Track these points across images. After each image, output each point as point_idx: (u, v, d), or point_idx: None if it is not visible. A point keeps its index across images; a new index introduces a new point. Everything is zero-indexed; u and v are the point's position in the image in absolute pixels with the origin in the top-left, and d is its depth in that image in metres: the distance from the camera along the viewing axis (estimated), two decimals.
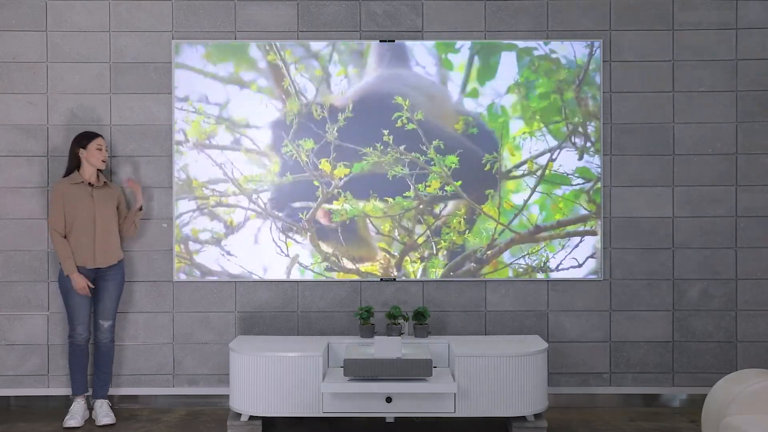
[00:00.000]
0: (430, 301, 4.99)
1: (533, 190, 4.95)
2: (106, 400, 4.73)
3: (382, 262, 4.96)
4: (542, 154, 4.96)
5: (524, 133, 4.95)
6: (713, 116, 4.98)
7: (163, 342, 5.00)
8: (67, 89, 4.97)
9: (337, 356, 4.61)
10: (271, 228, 4.96)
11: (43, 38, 4.97)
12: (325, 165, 4.95)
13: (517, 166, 4.95)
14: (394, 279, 4.96)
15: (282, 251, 4.95)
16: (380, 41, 4.94)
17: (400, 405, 4.20)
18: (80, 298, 4.62)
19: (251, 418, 4.36)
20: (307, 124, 4.95)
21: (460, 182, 4.94)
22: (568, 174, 4.96)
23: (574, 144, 4.95)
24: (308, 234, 4.95)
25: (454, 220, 4.95)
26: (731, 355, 4.98)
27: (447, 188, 4.95)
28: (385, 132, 4.94)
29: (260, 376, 4.29)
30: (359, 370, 4.14)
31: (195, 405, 5.00)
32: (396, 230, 4.96)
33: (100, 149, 4.68)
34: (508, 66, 4.95)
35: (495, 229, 4.95)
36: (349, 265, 4.96)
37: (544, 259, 4.95)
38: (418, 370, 4.13)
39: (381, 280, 4.97)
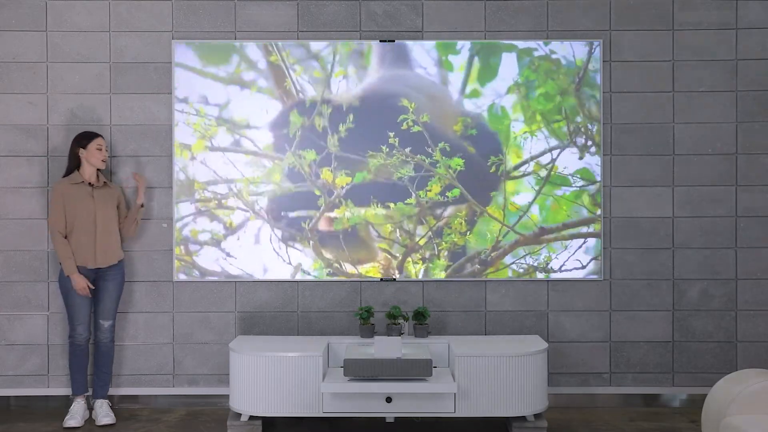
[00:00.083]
0: (430, 301, 4.99)
1: (538, 192, 4.94)
2: (106, 400, 4.73)
3: (383, 263, 4.96)
4: (542, 153, 4.95)
5: (525, 132, 4.95)
6: (713, 116, 4.98)
7: (163, 342, 5.00)
8: (67, 89, 4.97)
9: (337, 356, 4.61)
10: (271, 238, 4.95)
11: (43, 38, 4.97)
12: (326, 174, 4.94)
13: (520, 167, 4.94)
14: (394, 279, 4.96)
15: (284, 260, 4.95)
16: (380, 41, 4.94)
17: (400, 405, 4.20)
18: (80, 298, 4.62)
19: (251, 418, 4.36)
20: (310, 136, 4.93)
21: (458, 191, 4.93)
22: (569, 175, 4.95)
23: (574, 143, 4.95)
24: (311, 243, 4.95)
25: (455, 221, 4.94)
26: (731, 355, 4.98)
27: (449, 194, 4.94)
28: (391, 134, 4.93)
29: (260, 376, 4.29)
30: (359, 370, 4.14)
31: (195, 405, 5.00)
32: (397, 231, 4.96)
33: (100, 149, 4.68)
34: (508, 67, 4.95)
35: (500, 230, 4.95)
36: (351, 269, 4.96)
37: (545, 260, 4.95)
38: (418, 370, 4.13)
39: (381, 280, 4.97)
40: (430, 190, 4.95)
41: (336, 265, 4.96)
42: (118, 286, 4.76)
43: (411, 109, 4.93)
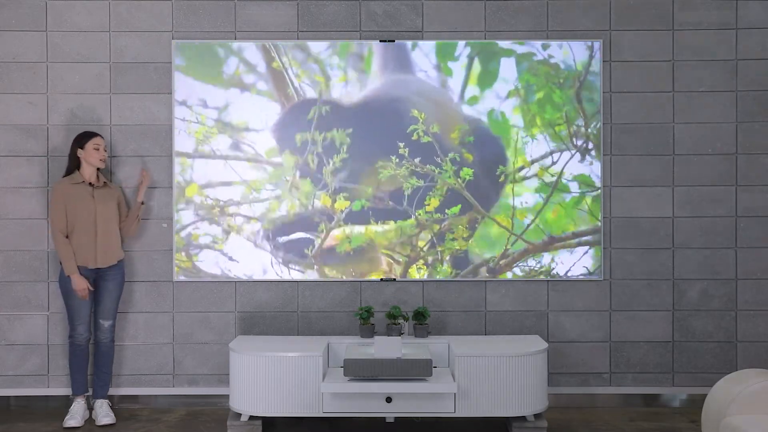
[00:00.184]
0: (430, 301, 4.99)
1: (546, 200, 4.93)
2: (106, 400, 4.73)
3: (386, 269, 4.96)
4: (544, 157, 4.94)
5: (527, 136, 4.93)
6: (713, 116, 4.98)
7: (163, 342, 5.00)
8: (67, 89, 4.97)
9: (337, 356, 4.61)
10: (272, 262, 4.94)
11: (43, 38, 4.97)
12: (325, 200, 4.93)
13: (521, 170, 4.93)
14: (394, 279, 4.96)
15: (286, 278, 4.96)
16: (380, 41, 4.94)
17: (400, 405, 4.20)
18: (80, 299, 4.62)
19: (251, 418, 4.36)
20: (306, 168, 4.92)
21: (458, 208, 4.92)
22: (568, 181, 4.94)
23: (576, 147, 4.94)
24: (315, 267, 4.95)
25: (458, 228, 4.93)
26: (731, 355, 4.98)
27: (448, 211, 4.92)
28: (401, 144, 4.92)
29: (260, 376, 4.29)
30: (359, 370, 4.14)
31: (195, 405, 5.00)
32: (399, 242, 4.94)
33: (98, 148, 4.68)
34: (507, 72, 4.93)
35: (508, 239, 4.94)
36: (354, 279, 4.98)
37: (550, 264, 4.94)
38: (418, 370, 4.13)
39: (381, 280, 4.96)
40: (428, 205, 4.93)
41: (341, 276, 4.97)
42: (118, 286, 4.76)
43: (421, 120, 4.93)
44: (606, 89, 4.98)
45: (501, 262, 4.95)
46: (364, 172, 4.94)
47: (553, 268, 4.94)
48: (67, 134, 4.93)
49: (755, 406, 3.33)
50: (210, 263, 4.95)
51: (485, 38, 4.97)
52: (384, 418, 4.45)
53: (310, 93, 4.94)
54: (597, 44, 4.94)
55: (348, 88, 4.94)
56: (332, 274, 4.95)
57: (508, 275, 4.96)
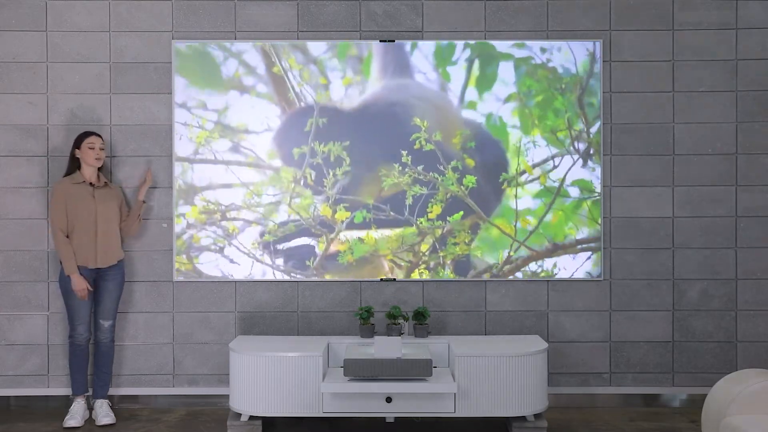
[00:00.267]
0: (430, 301, 4.99)
1: (549, 206, 4.93)
2: (106, 400, 4.73)
3: (388, 272, 4.97)
4: (545, 161, 4.93)
5: (529, 142, 4.92)
6: (713, 116, 4.98)
7: (163, 342, 5.00)
8: (67, 89, 4.97)
9: (337, 356, 4.61)
10: (274, 273, 4.94)
11: (43, 38, 4.97)
12: (325, 210, 4.93)
13: (522, 175, 4.92)
14: (394, 279, 4.96)
15: (286, 280, 4.96)
16: (380, 41, 4.94)
17: (400, 405, 4.20)
18: (80, 299, 4.62)
19: (251, 418, 4.36)
20: (307, 182, 4.92)
21: (459, 215, 4.92)
22: (567, 186, 4.94)
23: (578, 151, 4.94)
24: (315, 275, 4.95)
25: (461, 232, 4.93)
26: (731, 355, 4.98)
27: (450, 218, 4.92)
28: (404, 152, 4.92)
29: (260, 376, 4.29)
30: (359, 370, 4.14)
31: (195, 405, 5.00)
32: (402, 247, 4.94)
33: (92, 147, 4.67)
34: (506, 76, 4.92)
35: (511, 245, 4.94)
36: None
37: (551, 269, 4.94)
38: (418, 370, 4.13)
39: (381, 280, 4.96)
40: (430, 212, 4.93)
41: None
42: (118, 286, 4.76)
43: (423, 128, 4.92)
44: (606, 89, 4.98)
45: (504, 269, 4.95)
46: (366, 178, 4.93)
47: (556, 273, 4.95)
48: (67, 134, 4.93)
49: (755, 406, 3.33)
50: (210, 266, 4.95)
51: (485, 38, 4.97)
52: (384, 418, 4.45)
53: (311, 98, 4.92)
54: (598, 51, 4.92)
55: (348, 93, 4.93)
56: (334, 278, 4.95)
57: (506, 266, 4.96)
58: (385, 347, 4.18)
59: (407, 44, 4.94)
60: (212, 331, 5.00)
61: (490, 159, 4.94)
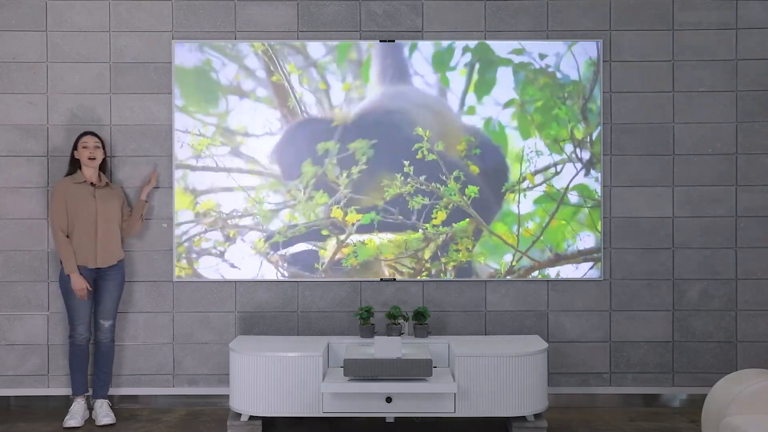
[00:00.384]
0: (430, 301, 4.99)
1: (552, 216, 4.93)
2: (106, 400, 4.73)
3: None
4: (548, 167, 4.92)
5: (532, 152, 4.91)
6: (713, 116, 4.98)
7: (163, 342, 5.00)
8: (67, 89, 4.97)
9: (337, 356, 4.61)
10: (277, 275, 4.94)
11: (43, 38, 4.97)
12: (336, 212, 4.93)
13: (522, 182, 4.92)
14: (394, 279, 4.96)
15: (286, 280, 4.96)
16: (380, 41, 4.94)
17: (400, 405, 4.20)
18: (79, 298, 4.62)
19: (251, 418, 4.36)
20: (322, 179, 4.91)
21: (465, 222, 4.91)
22: (572, 192, 4.94)
23: (580, 159, 4.93)
24: (323, 275, 4.95)
25: (464, 239, 4.92)
26: (731, 355, 4.98)
27: (455, 225, 4.91)
28: (406, 162, 4.92)
29: (260, 376, 4.29)
30: (359, 370, 4.14)
31: (195, 405, 5.00)
32: (407, 252, 4.94)
33: (86, 147, 4.67)
34: (505, 81, 4.91)
35: (513, 255, 4.94)
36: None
37: (555, 277, 4.95)
38: (418, 370, 4.13)
39: (381, 280, 4.96)
40: (435, 218, 4.93)
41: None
42: (118, 286, 4.76)
43: (426, 138, 4.92)
44: (606, 89, 4.97)
45: (506, 278, 4.95)
46: (369, 187, 4.93)
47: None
48: (67, 134, 4.93)
49: (755, 406, 3.33)
50: (211, 270, 4.95)
51: (485, 38, 4.97)
52: (384, 418, 4.45)
53: (310, 102, 4.91)
54: (600, 58, 4.92)
55: (347, 98, 4.92)
56: (337, 279, 4.96)
57: (508, 276, 4.96)
58: (385, 347, 4.17)
59: (406, 49, 4.93)
60: (212, 331, 5.00)
61: (490, 165, 4.93)
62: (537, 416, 4.35)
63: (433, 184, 4.93)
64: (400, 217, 4.91)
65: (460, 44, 4.93)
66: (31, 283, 4.96)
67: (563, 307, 4.99)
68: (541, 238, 4.93)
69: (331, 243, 4.93)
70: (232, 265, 4.94)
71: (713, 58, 4.97)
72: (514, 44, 4.93)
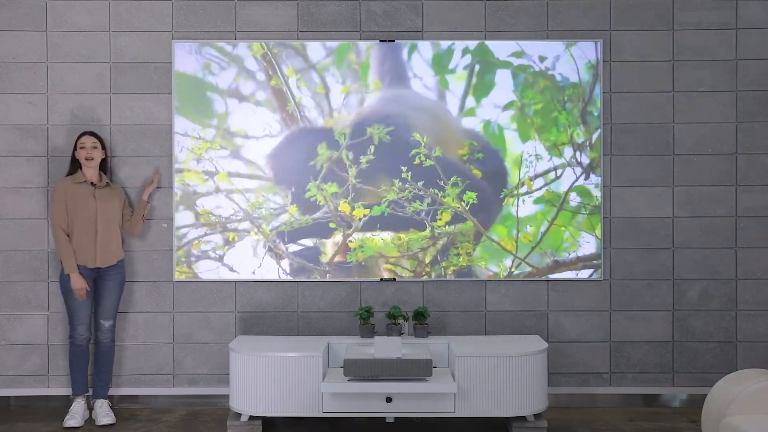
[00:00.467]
0: (430, 301, 4.99)
1: (551, 222, 4.93)
2: (106, 400, 4.73)
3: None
4: (548, 171, 4.92)
5: (532, 156, 4.90)
6: (713, 116, 4.98)
7: (163, 342, 5.00)
8: (67, 89, 4.97)
9: (337, 356, 4.61)
10: (278, 271, 4.94)
11: (43, 38, 4.97)
12: (344, 206, 4.92)
13: (520, 187, 4.92)
14: (394, 279, 4.96)
15: (286, 280, 4.96)
16: (380, 41, 4.94)
17: (400, 405, 4.20)
18: (77, 298, 4.62)
19: (251, 418, 4.36)
20: (333, 168, 4.91)
21: (470, 223, 4.92)
22: (572, 192, 4.94)
23: (580, 164, 4.93)
24: (327, 275, 4.94)
25: (464, 243, 4.92)
26: (731, 355, 4.98)
27: (461, 225, 4.91)
28: (404, 168, 4.91)
29: (260, 376, 4.29)
30: (359, 370, 4.14)
31: (195, 405, 5.00)
32: (410, 251, 4.94)
33: (83, 147, 4.67)
34: (504, 85, 4.91)
35: (512, 262, 4.94)
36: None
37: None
38: (418, 370, 4.13)
39: (381, 280, 4.96)
40: (440, 219, 4.92)
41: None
42: (118, 286, 4.76)
43: (423, 143, 4.91)
44: (606, 89, 4.97)
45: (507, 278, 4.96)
46: (369, 196, 4.93)
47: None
48: (67, 134, 4.93)
49: (755, 406, 3.33)
50: (210, 275, 4.95)
51: (485, 38, 4.97)
52: (384, 418, 4.45)
53: (309, 105, 4.91)
54: (600, 60, 4.92)
55: (346, 102, 4.91)
56: (337, 278, 4.96)
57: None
58: (385, 347, 4.17)
59: (405, 51, 4.92)
60: (212, 331, 5.00)
61: (490, 169, 4.93)
62: (537, 416, 4.35)
63: (431, 189, 4.92)
64: (408, 212, 4.90)
65: (459, 46, 4.93)
66: (31, 283, 4.96)
67: (563, 307, 4.99)
68: (541, 243, 4.92)
69: (342, 233, 4.92)
70: (231, 269, 4.94)
71: (713, 58, 4.97)
72: (514, 47, 4.93)
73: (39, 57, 4.97)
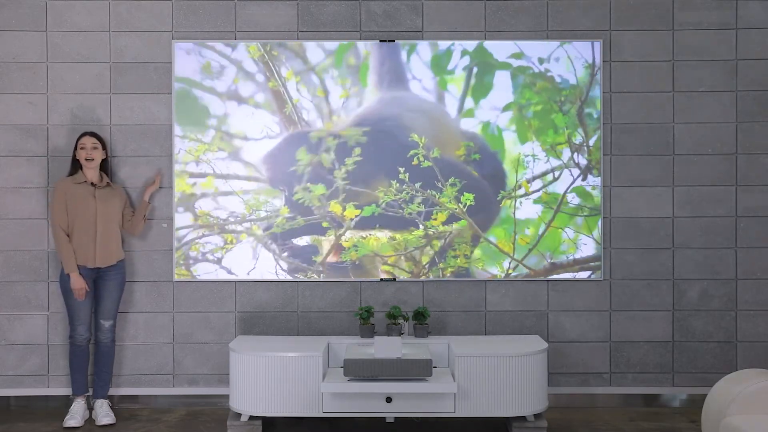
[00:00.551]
0: (430, 301, 4.99)
1: (548, 225, 4.93)
2: (106, 400, 4.73)
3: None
4: (545, 173, 4.92)
5: (529, 156, 4.90)
6: (713, 116, 4.98)
7: (163, 342, 5.00)
8: (67, 89, 4.97)
9: (337, 356, 4.61)
10: (276, 270, 4.94)
11: (43, 38, 4.97)
12: (335, 207, 4.92)
13: (518, 189, 4.92)
14: (394, 279, 4.96)
15: (286, 280, 4.96)
16: (380, 41, 4.94)
17: (400, 405, 4.20)
18: (77, 297, 4.62)
19: (251, 418, 4.36)
20: (318, 170, 4.91)
21: (464, 222, 4.92)
22: (570, 200, 4.94)
23: (578, 165, 4.92)
24: (321, 275, 4.94)
25: (462, 245, 4.92)
26: (731, 355, 4.98)
27: (456, 224, 4.91)
28: (401, 170, 4.91)
29: (260, 376, 4.29)
30: (359, 370, 4.14)
31: (195, 405, 5.00)
32: (402, 258, 4.93)
33: (83, 148, 4.67)
34: (503, 86, 4.91)
35: (510, 264, 4.94)
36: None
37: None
38: (418, 370, 4.13)
39: (381, 280, 4.96)
40: (435, 219, 4.92)
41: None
42: (118, 286, 4.76)
43: (421, 144, 4.91)
44: (606, 89, 4.97)
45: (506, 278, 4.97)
46: (362, 194, 4.93)
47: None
48: (67, 134, 4.93)
49: (755, 406, 3.33)
50: (209, 277, 4.95)
51: (485, 38, 4.97)
52: (384, 418, 4.45)
53: (308, 107, 4.91)
54: (598, 58, 4.91)
55: (345, 107, 4.91)
56: (333, 279, 4.96)
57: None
58: (385, 347, 4.18)
59: (404, 53, 4.92)
60: (212, 331, 5.00)
61: (488, 170, 4.93)
62: (537, 416, 4.35)
63: (428, 191, 4.92)
64: (400, 211, 4.90)
65: (458, 48, 4.93)
66: (31, 283, 4.96)
67: (563, 307, 4.99)
68: (538, 245, 4.92)
69: (335, 233, 4.92)
70: (230, 272, 4.94)
71: (713, 58, 4.97)
72: (513, 48, 4.93)
73: (39, 57, 4.97)
